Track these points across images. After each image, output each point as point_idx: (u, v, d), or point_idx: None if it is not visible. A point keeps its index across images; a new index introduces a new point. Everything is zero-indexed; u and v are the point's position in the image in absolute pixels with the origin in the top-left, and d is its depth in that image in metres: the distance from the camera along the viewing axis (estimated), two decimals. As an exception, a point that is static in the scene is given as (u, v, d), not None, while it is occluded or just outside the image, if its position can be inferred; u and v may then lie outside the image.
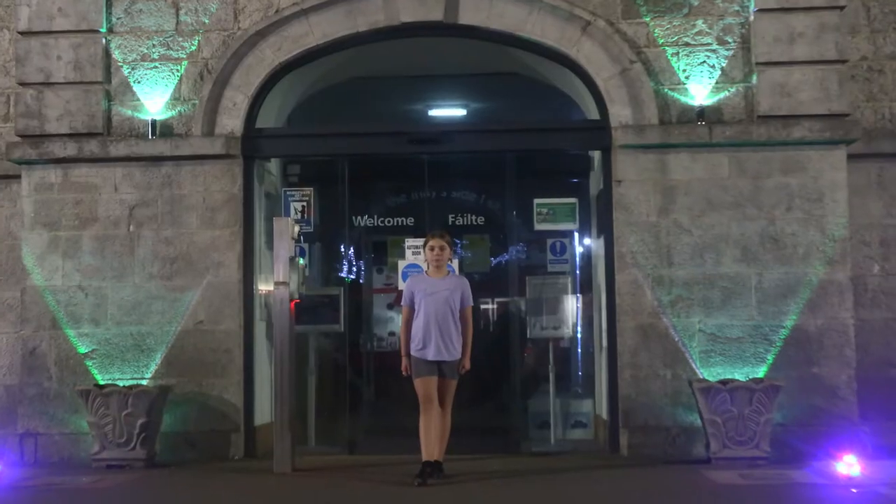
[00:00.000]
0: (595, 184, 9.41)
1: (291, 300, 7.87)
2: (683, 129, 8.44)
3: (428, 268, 7.55)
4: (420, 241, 8.24)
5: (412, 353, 7.35)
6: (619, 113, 8.57)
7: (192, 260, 8.59)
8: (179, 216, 8.63)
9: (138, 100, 8.81)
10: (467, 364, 7.43)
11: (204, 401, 8.52)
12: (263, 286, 8.86)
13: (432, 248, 7.40)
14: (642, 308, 8.42)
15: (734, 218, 8.41)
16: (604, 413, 8.88)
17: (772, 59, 8.46)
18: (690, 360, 8.27)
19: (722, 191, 8.44)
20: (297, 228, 8.12)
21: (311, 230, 9.24)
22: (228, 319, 8.59)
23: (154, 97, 8.79)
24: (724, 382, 7.95)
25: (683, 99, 8.55)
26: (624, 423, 8.38)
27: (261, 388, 8.85)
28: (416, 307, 7.34)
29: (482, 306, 9.61)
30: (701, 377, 8.21)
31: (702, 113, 8.48)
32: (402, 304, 7.54)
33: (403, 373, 7.42)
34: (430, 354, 7.27)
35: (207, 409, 8.49)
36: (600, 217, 9.05)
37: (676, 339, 8.28)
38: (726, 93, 8.55)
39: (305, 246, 9.16)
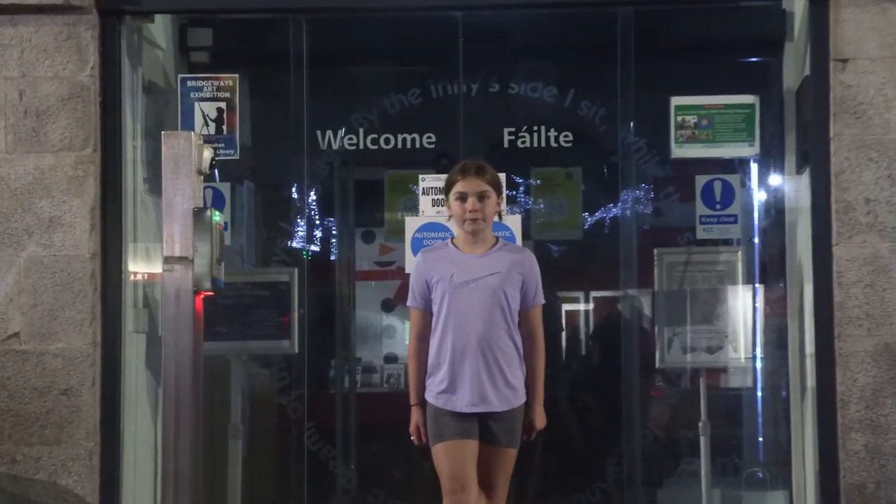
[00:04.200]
0: (794, 68, 8.78)
1: (198, 293, 7.37)
2: None
3: (457, 233, 7.07)
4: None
5: (429, 398, 6.84)
6: (850, -81, 7.60)
7: (-1, 214, 7.90)
8: (-29, 127, 7.85)
9: None
10: (540, 419, 6.92)
11: (20, 492, 7.99)
12: (142, 266, 8.45)
13: (463, 197, 6.91)
14: (890, 312, 7.70)
15: None
16: (811, 516, 8.20)
17: None
18: None
19: None
20: (208, 154, 7.46)
21: (237, 157, 8.69)
22: (72, 331, 7.98)
23: None
24: None
25: None
26: (853, 535, 7.55)
27: (134, 463, 8.25)
28: (437, 310, 6.86)
29: (566, 306, 9.99)
30: None
31: None
32: (409, 303, 7.04)
33: (412, 438, 6.92)
34: (464, 402, 6.77)
35: (27, 508, 7.66)
36: (804, 132, 8.40)
37: (960, 374, 7.51)
38: None
39: (225, 188, 8.94)
